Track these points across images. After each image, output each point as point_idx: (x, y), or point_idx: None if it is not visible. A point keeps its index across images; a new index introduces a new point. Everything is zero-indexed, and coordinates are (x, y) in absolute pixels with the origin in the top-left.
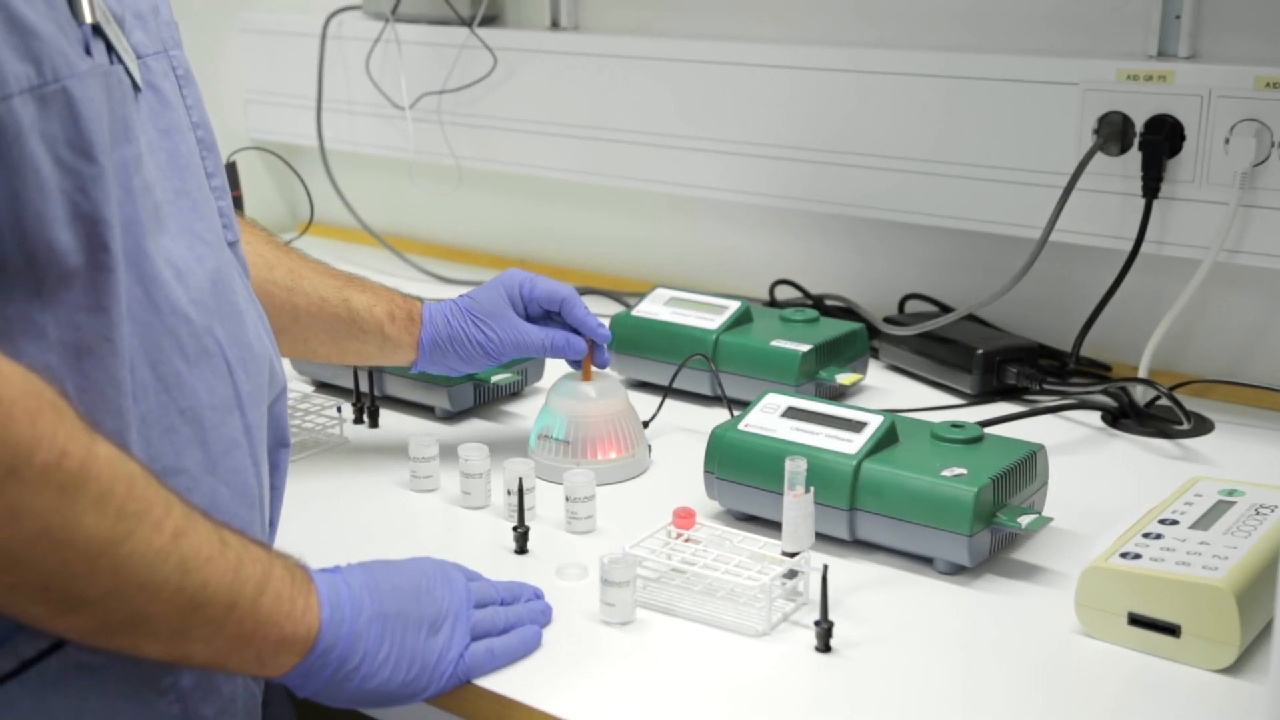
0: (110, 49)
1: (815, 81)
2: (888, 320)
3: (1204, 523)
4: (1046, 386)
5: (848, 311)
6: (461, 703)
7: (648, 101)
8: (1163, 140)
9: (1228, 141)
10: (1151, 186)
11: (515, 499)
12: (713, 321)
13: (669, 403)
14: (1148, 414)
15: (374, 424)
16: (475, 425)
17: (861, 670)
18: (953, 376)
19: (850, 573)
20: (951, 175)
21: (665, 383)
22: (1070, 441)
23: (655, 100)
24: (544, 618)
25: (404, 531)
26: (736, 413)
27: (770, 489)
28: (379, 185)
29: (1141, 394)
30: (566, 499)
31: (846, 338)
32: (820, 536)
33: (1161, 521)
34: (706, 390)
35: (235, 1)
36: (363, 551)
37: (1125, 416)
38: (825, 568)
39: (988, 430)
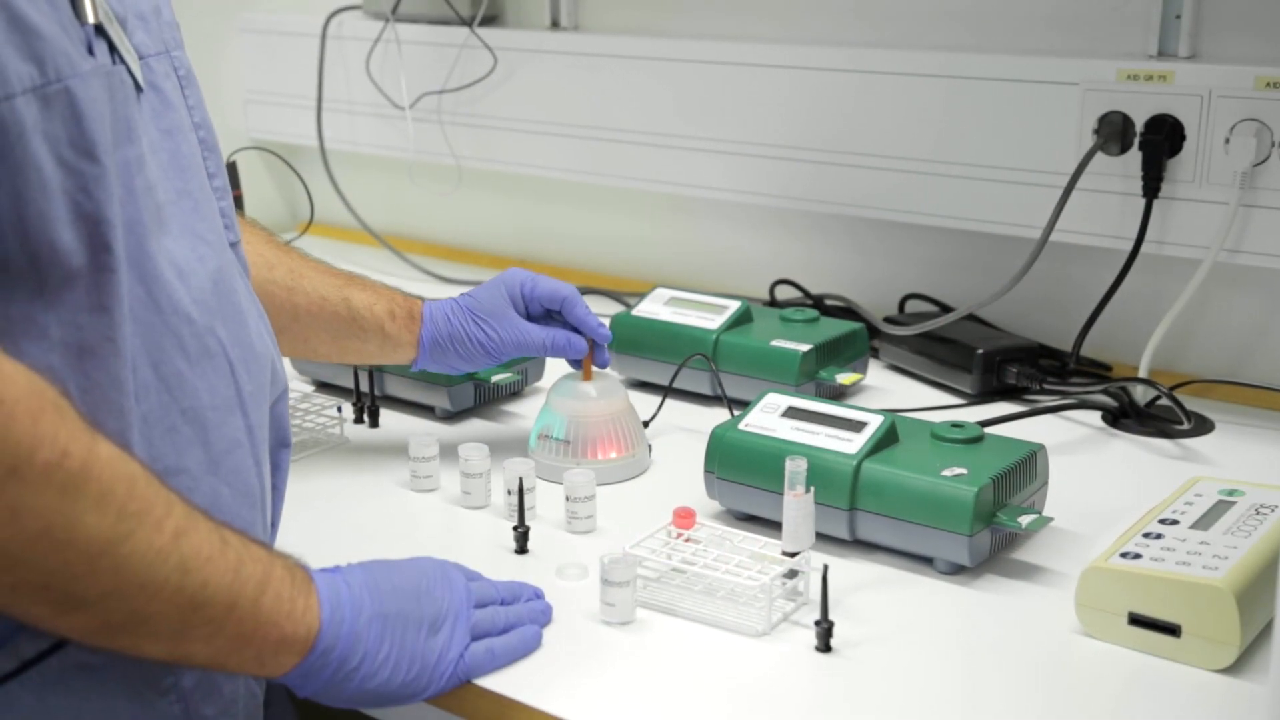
0: (113, 49)
1: (815, 81)
2: (888, 320)
3: (1204, 523)
4: (1047, 386)
5: (848, 311)
6: (461, 703)
7: (648, 101)
8: (1163, 140)
9: (1228, 141)
10: (1152, 186)
11: (515, 499)
12: (713, 321)
13: (669, 402)
14: (1148, 414)
15: (374, 424)
16: (475, 425)
17: (862, 670)
18: (953, 376)
19: (850, 573)
20: (951, 175)
21: (665, 382)
22: (1070, 441)
23: (655, 100)
24: (544, 617)
25: (404, 531)
26: (736, 412)
27: (770, 489)
28: (379, 185)
29: (1142, 394)
30: (567, 499)
31: (846, 337)
32: (820, 536)
33: (1162, 521)
34: (706, 390)
35: (235, 1)
36: (363, 551)
37: (1125, 416)
38: (825, 568)
39: (988, 430)
